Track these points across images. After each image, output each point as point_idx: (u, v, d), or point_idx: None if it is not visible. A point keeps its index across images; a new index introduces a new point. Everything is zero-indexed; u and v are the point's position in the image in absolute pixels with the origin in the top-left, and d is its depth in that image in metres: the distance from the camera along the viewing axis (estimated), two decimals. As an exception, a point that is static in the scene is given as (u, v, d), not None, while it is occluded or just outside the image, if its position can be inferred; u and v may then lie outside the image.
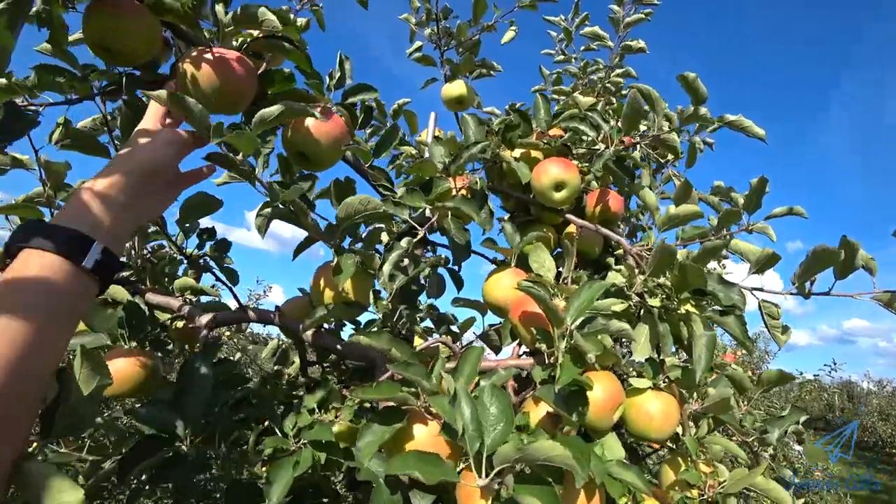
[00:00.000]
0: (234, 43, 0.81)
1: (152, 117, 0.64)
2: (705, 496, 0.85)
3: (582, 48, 1.65)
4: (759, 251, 0.92)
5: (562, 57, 1.67)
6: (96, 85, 0.85)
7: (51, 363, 0.45)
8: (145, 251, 1.25)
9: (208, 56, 0.70)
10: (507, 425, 0.54)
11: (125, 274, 1.10)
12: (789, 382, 1.04)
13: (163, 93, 0.61)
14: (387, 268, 0.71)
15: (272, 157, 0.89)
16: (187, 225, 1.02)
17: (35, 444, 0.51)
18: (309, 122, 0.76)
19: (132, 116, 0.92)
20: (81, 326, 0.89)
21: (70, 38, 0.83)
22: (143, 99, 0.87)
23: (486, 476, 0.51)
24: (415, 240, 0.75)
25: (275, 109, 0.64)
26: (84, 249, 0.47)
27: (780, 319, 0.95)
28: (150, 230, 1.20)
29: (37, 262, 0.44)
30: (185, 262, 1.02)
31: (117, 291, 0.98)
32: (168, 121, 0.66)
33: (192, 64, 0.70)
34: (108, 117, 0.90)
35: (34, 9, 0.74)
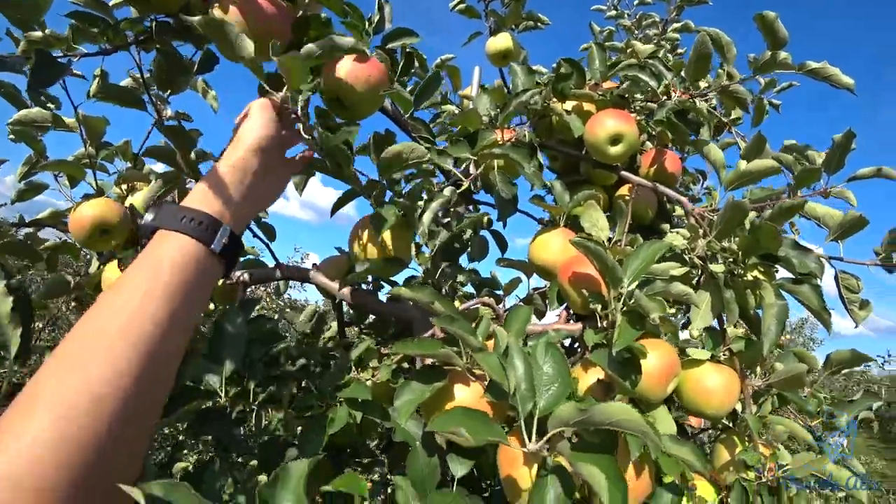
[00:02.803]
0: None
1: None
2: (764, 479, 0.79)
3: (636, 2, 1.54)
4: (840, 215, 0.82)
5: (614, 12, 1.56)
6: (130, 36, 0.83)
7: (184, 342, 0.46)
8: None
9: (235, -3, 0.66)
10: (562, 387, 0.49)
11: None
12: (862, 364, 0.95)
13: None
14: (427, 216, 0.66)
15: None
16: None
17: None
18: (346, 65, 0.71)
19: (168, 67, 0.90)
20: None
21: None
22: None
23: (536, 441, 0.46)
24: (459, 190, 0.70)
25: (322, 43, 0.60)
26: (213, 233, 0.48)
27: (859, 293, 0.86)
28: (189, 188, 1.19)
29: (171, 245, 0.46)
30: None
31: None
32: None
33: (221, 7, 0.67)
34: (142, 70, 0.88)
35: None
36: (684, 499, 0.79)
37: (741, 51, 0.91)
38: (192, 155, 0.98)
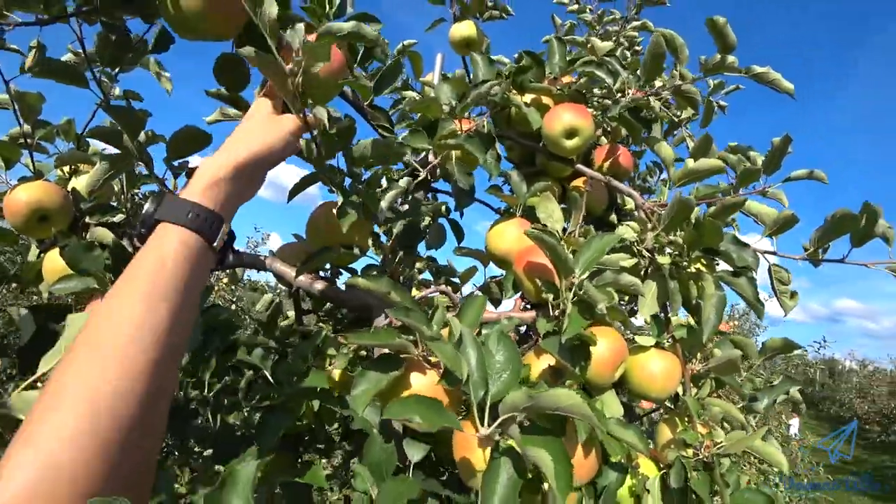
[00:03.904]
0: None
1: (271, 96, 0.62)
2: (701, 457, 0.84)
3: (597, -3, 1.56)
4: (775, 213, 0.88)
5: (575, 6, 1.58)
6: (71, 6, 0.78)
7: (186, 335, 0.46)
8: (136, 195, 1.20)
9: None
10: (513, 374, 0.51)
11: (115, 220, 1.05)
12: (793, 351, 1.02)
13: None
14: (384, 204, 0.67)
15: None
16: (176, 164, 0.96)
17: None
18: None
19: (114, 43, 0.85)
20: (67, 270, 0.85)
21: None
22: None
23: (489, 426, 0.48)
24: (415, 181, 0.70)
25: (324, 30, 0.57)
26: (216, 229, 0.49)
27: (789, 285, 0.92)
28: (138, 172, 1.14)
29: (176, 239, 0.46)
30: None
31: (103, 234, 0.93)
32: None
33: None
34: (84, 45, 0.83)
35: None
36: (628, 476, 0.84)
37: (698, 52, 0.95)
38: (142, 136, 0.94)
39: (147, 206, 0.48)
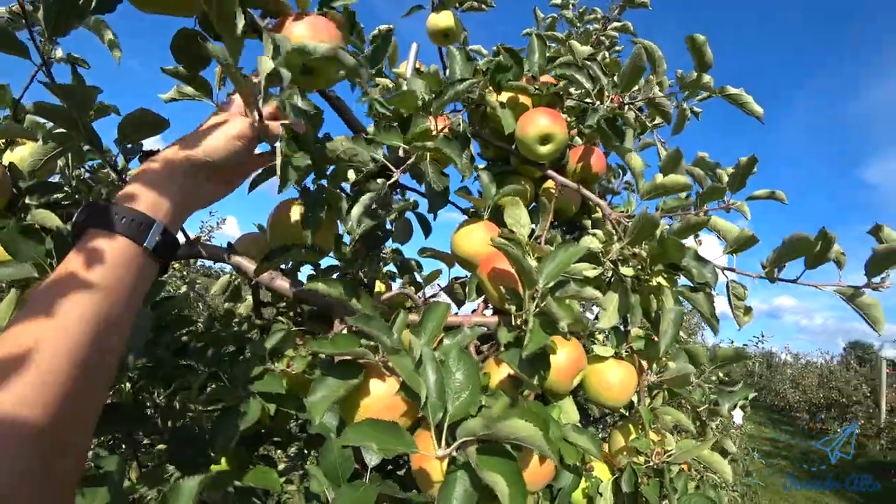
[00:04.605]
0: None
1: (233, 106, 0.61)
2: (651, 463, 0.87)
3: (580, -6, 1.54)
4: (737, 231, 0.90)
5: (559, 0, 1.56)
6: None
7: (120, 342, 0.45)
8: (83, 171, 1.11)
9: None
10: (472, 394, 0.50)
11: (59, 196, 0.97)
12: (741, 361, 1.06)
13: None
14: (356, 211, 0.64)
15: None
16: (129, 146, 0.90)
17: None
18: (300, 29, 0.65)
19: (57, 4, 0.77)
20: (5, 256, 0.78)
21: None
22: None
23: (447, 446, 0.47)
24: (389, 182, 0.68)
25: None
26: (145, 231, 0.48)
27: (744, 301, 0.95)
28: (85, 148, 1.06)
29: (101, 243, 0.45)
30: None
31: (47, 217, 0.86)
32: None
33: None
34: (24, 5, 0.75)
35: None
36: (582, 479, 0.86)
37: (672, 55, 0.95)
38: (91, 113, 0.87)
39: (77, 216, 0.47)
